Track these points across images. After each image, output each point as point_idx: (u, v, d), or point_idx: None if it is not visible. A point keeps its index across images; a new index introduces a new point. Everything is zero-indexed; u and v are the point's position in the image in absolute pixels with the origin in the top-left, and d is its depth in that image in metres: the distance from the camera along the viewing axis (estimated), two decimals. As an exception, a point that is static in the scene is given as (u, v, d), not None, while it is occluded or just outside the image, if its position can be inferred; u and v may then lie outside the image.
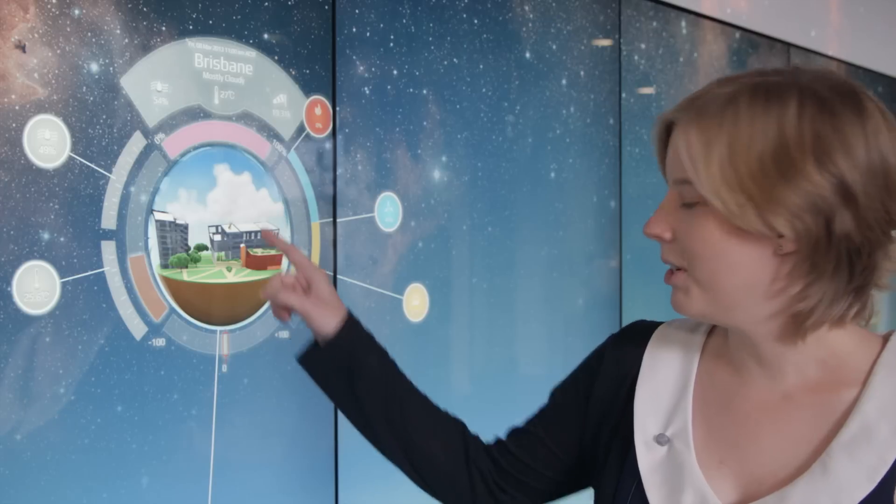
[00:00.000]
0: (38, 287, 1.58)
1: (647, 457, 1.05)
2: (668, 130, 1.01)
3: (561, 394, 1.19)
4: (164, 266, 1.75)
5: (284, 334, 1.95)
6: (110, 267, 1.67)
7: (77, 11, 1.62)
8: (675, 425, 1.05)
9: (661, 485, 1.03)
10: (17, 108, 1.55)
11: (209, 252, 1.81)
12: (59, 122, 1.60)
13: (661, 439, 1.05)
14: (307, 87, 1.98)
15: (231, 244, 1.85)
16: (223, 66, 1.84)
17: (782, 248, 0.94)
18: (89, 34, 1.64)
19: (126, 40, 1.69)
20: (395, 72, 2.17)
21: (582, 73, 2.69)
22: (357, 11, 2.08)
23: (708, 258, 0.97)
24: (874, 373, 0.98)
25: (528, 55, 2.52)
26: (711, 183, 0.93)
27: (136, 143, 1.70)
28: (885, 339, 1.01)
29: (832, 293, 0.95)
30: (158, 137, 1.74)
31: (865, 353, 1.00)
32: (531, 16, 2.52)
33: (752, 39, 3.40)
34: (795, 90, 0.93)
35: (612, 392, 1.12)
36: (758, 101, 0.94)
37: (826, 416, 0.98)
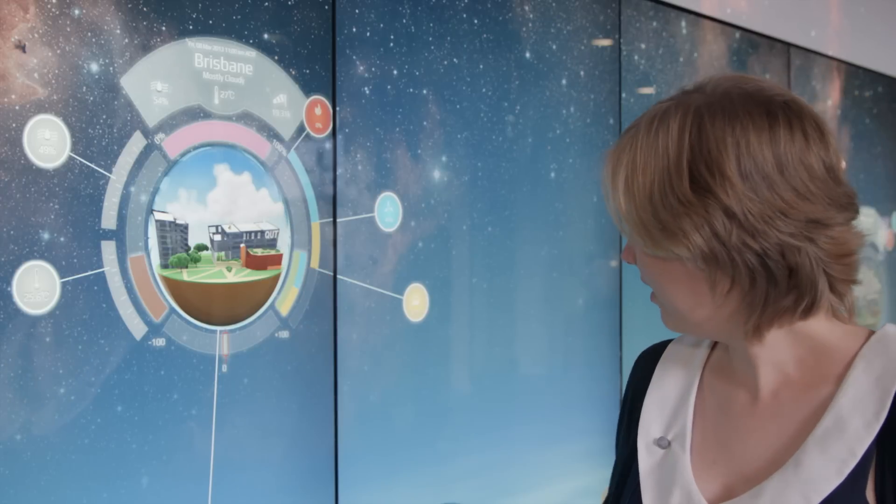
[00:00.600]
0: (38, 287, 1.58)
1: (647, 459, 1.08)
2: None
3: (620, 443, 1.20)
4: (164, 266, 1.75)
5: (284, 334, 1.95)
6: (110, 267, 1.67)
7: (77, 11, 1.62)
8: (676, 429, 1.08)
9: (655, 485, 1.05)
10: (17, 108, 1.55)
11: (209, 252, 1.81)
12: (59, 122, 1.60)
13: (661, 442, 1.08)
14: (307, 87, 1.98)
15: (231, 244, 1.85)
16: (223, 66, 1.84)
17: (696, 266, 0.96)
18: (89, 34, 1.64)
19: (126, 40, 1.69)
20: (395, 72, 2.17)
21: (582, 73, 2.69)
22: (357, 11, 2.08)
23: (654, 283, 1.02)
24: (853, 367, 0.98)
25: (528, 55, 2.52)
26: (618, 213, 0.99)
27: (136, 143, 1.70)
28: (870, 334, 1.02)
29: (762, 297, 0.96)
30: (158, 137, 1.74)
31: (848, 348, 1.00)
32: (531, 16, 2.52)
33: (752, 39, 3.40)
34: (680, 111, 0.96)
35: (633, 408, 1.16)
36: (651, 128, 0.97)
37: (805, 411, 0.99)
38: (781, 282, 0.95)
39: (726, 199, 0.92)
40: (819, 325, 1.00)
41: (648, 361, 1.18)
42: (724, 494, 1.00)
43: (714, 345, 1.13)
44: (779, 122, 0.94)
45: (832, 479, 0.93)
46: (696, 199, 0.93)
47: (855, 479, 0.93)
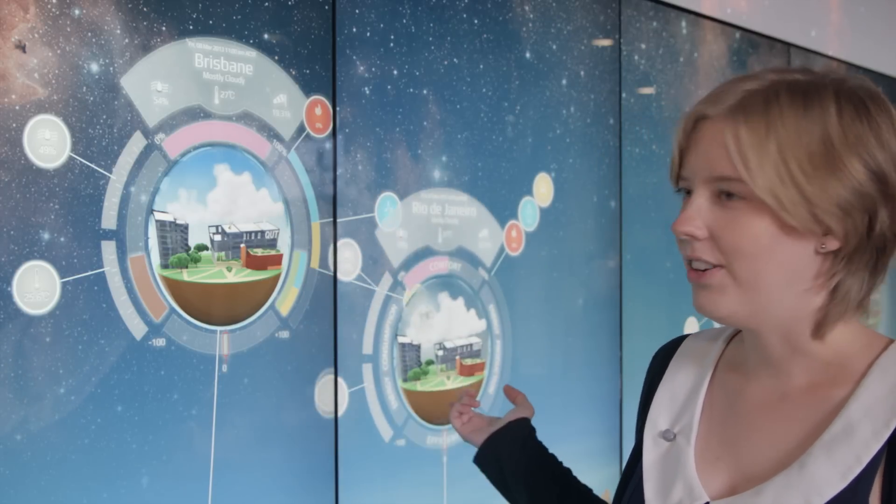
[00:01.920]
0: (38, 287, 1.58)
1: (653, 451, 1.08)
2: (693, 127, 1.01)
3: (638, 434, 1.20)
4: (165, 266, 1.75)
5: (284, 334, 1.95)
6: (110, 267, 1.67)
7: (77, 11, 1.62)
8: (682, 422, 1.08)
9: (658, 478, 1.05)
10: (17, 108, 1.55)
11: (209, 252, 1.81)
12: (59, 122, 1.60)
13: (667, 435, 1.07)
14: (307, 87, 1.98)
15: (231, 244, 1.85)
16: (223, 66, 1.84)
17: (825, 245, 0.96)
18: (89, 34, 1.64)
19: (126, 40, 1.69)
20: (395, 72, 2.17)
21: (582, 73, 2.69)
22: (357, 11, 2.08)
23: (754, 255, 0.96)
24: (868, 374, 0.98)
25: (528, 55, 2.52)
26: (766, 181, 0.93)
27: (136, 143, 1.70)
28: (890, 342, 1.01)
29: (857, 289, 0.98)
30: (158, 137, 1.74)
31: (866, 355, 1.00)
32: (531, 16, 2.52)
33: (752, 39, 3.40)
34: (832, 90, 0.96)
35: (646, 402, 1.16)
36: (797, 100, 0.95)
37: (816, 415, 0.99)
38: (872, 281, 0.98)
39: (892, 182, 0.94)
40: (850, 329, 1.01)
41: (664, 356, 1.17)
42: (727, 491, 1.00)
43: (729, 342, 1.13)
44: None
45: (835, 484, 0.93)
46: (865, 175, 0.94)
47: (858, 486, 0.93)
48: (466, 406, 1.49)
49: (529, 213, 2.54)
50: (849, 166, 0.93)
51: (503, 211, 2.46)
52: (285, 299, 1.94)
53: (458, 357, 2.32)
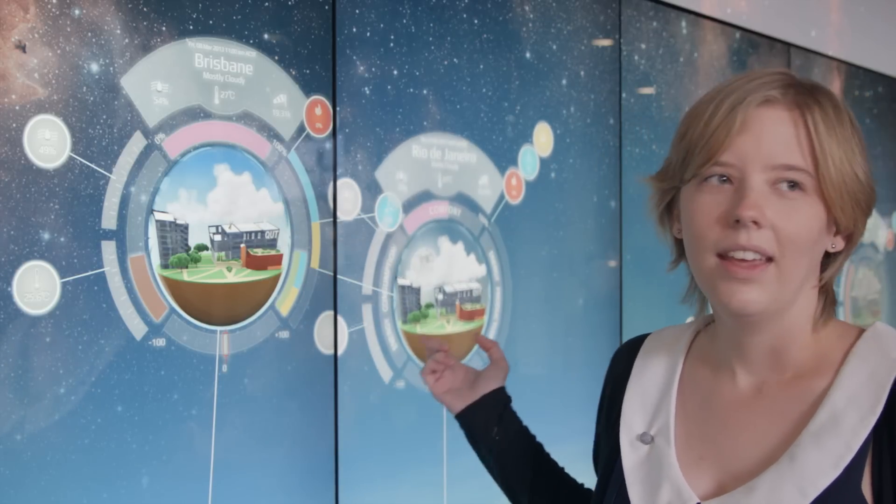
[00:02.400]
0: (38, 287, 1.58)
1: (632, 455, 1.07)
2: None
3: (602, 440, 1.21)
4: (165, 266, 1.75)
5: (284, 334, 1.95)
6: (110, 267, 1.67)
7: (77, 11, 1.62)
8: (658, 424, 1.07)
9: (642, 482, 1.04)
10: (17, 108, 1.55)
11: (209, 252, 1.82)
12: (59, 122, 1.60)
13: (644, 438, 1.07)
14: (307, 87, 1.98)
15: (231, 244, 1.85)
16: (223, 66, 1.84)
17: (835, 245, 1.01)
18: (89, 34, 1.64)
19: (126, 40, 1.69)
20: (395, 72, 2.17)
21: (582, 73, 2.69)
22: (357, 11, 2.08)
23: (804, 250, 0.97)
24: (846, 363, 0.99)
25: (528, 55, 2.52)
26: (833, 177, 0.95)
27: (136, 143, 1.70)
28: (862, 331, 1.03)
29: (833, 286, 1.04)
30: (158, 137, 1.74)
31: (842, 344, 1.02)
32: (531, 16, 2.52)
33: (752, 39, 3.40)
34: (840, 100, 1.00)
35: (613, 402, 1.16)
36: (833, 104, 0.99)
37: (798, 407, 0.99)
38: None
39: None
40: (826, 325, 1.04)
41: (627, 355, 1.17)
42: (715, 490, 1.00)
43: (694, 338, 1.13)
44: None
45: (829, 473, 0.93)
46: (871, 184, 1.00)
47: (850, 473, 0.93)
48: (440, 364, 1.46)
49: (530, 212, 2.54)
50: (861, 162, 0.97)
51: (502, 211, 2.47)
52: (285, 299, 1.94)
53: (457, 302, 2.32)
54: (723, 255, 0.97)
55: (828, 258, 1.03)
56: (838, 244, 1.00)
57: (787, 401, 1.00)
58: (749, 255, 0.95)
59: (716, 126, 0.96)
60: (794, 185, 0.95)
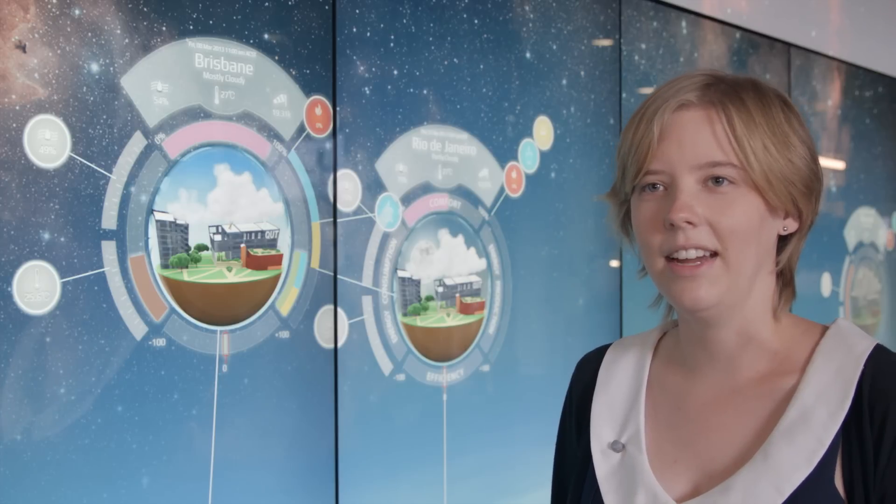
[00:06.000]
0: (38, 287, 1.58)
1: (604, 464, 1.08)
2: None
3: (559, 453, 1.21)
4: (165, 266, 1.75)
5: (285, 334, 1.95)
6: (111, 267, 1.67)
7: (77, 11, 1.62)
8: (629, 431, 1.08)
9: (617, 489, 1.05)
10: (17, 108, 1.55)
11: (209, 252, 1.82)
12: (59, 122, 1.60)
13: (615, 446, 1.08)
14: (307, 87, 1.98)
15: (231, 244, 1.85)
16: (223, 66, 1.84)
17: (786, 228, 1.02)
18: (89, 34, 1.64)
19: (126, 40, 1.69)
20: (395, 72, 2.17)
21: (582, 73, 2.69)
22: (357, 11, 2.08)
23: (748, 238, 0.99)
24: (812, 360, 1.01)
25: (528, 55, 2.52)
26: (758, 163, 0.97)
27: (136, 143, 1.70)
28: (825, 328, 1.05)
29: (792, 270, 1.05)
30: (159, 137, 1.74)
31: (807, 342, 1.03)
32: (531, 16, 2.52)
33: (752, 39, 3.40)
34: (763, 86, 1.02)
35: (581, 412, 1.16)
36: (752, 92, 1.01)
37: (769, 406, 1.01)
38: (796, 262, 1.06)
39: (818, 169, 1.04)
40: (790, 319, 1.05)
41: (590, 365, 1.18)
42: (691, 492, 1.01)
43: (657, 345, 1.14)
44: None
45: (802, 469, 0.95)
46: (811, 164, 1.01)
47: (823, 468, 0.95)
48: None
49: (530, 206, 2.54)
50: (797, 145, 0.99)
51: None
52: (285, 299, 1.94)
53: (458, 294, 2.32)
54: (669, 258, 1.01)
55: (785, 242, 1.04)
56: (790, 226, 1.02)
57: (756, 399, 1.01)
58: (692, 254, 0.99)
59: (640, 138, 1.02)
60: (721, 180, 0.98)
